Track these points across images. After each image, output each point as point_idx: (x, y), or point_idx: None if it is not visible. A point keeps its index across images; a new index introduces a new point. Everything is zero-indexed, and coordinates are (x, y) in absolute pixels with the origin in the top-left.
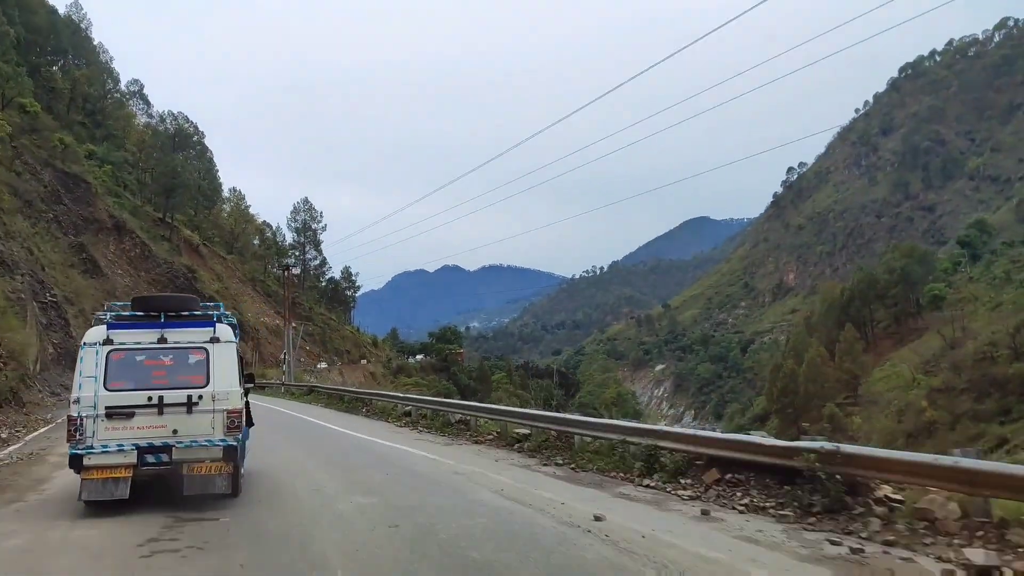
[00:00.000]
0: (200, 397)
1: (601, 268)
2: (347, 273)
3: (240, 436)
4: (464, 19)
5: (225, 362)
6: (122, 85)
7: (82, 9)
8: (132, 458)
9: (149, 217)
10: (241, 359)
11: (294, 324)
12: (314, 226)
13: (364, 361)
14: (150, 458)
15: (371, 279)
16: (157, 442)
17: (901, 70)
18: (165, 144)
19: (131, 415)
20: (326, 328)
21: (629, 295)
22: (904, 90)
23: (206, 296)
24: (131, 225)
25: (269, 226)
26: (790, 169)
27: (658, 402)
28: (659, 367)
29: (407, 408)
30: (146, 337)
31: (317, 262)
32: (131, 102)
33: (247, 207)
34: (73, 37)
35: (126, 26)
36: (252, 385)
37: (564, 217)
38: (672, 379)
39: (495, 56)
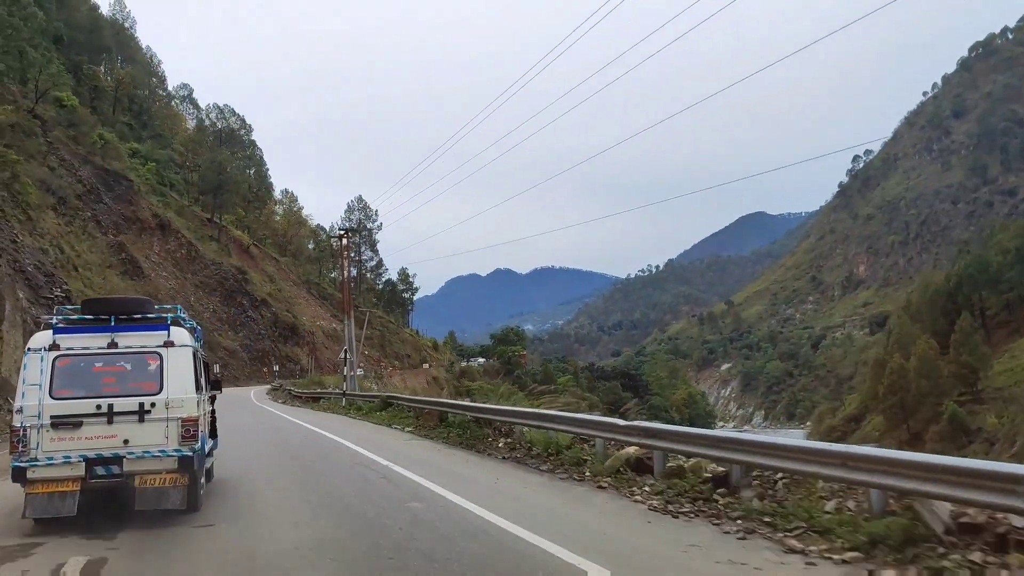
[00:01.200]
0: (153, 405)
1: (656, 267)
2: (404, 275)
3: (197, 446)
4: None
5: (180, 367)
6: (170, 87)
7: (126, 8)
8: (80, 470)
9: (196, 217)
10: (205, 364)
11: (362, 308)
12: (369, 225)
13: (426, 365)
14: (100, 470)
15: (424, 285)
16: (107, 453)
17: (971, 49)
18: (213, 141)
19: (79, 424)
20: (385, 331)
21: (687, 293)
22: (976, 70)
23: (258, 299)
24: (177, 225)
25: (323, 229)
26: (856, 158)
27: (725, 402)
28: (725, 366)
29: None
30: (95, 342)
31: (373, 263)
32: (181, 106)
33: (300, 209)
34: (117, 37)
35: (175, 34)
36: (219, 392)
37: (616, 214)
38: (739, 378)
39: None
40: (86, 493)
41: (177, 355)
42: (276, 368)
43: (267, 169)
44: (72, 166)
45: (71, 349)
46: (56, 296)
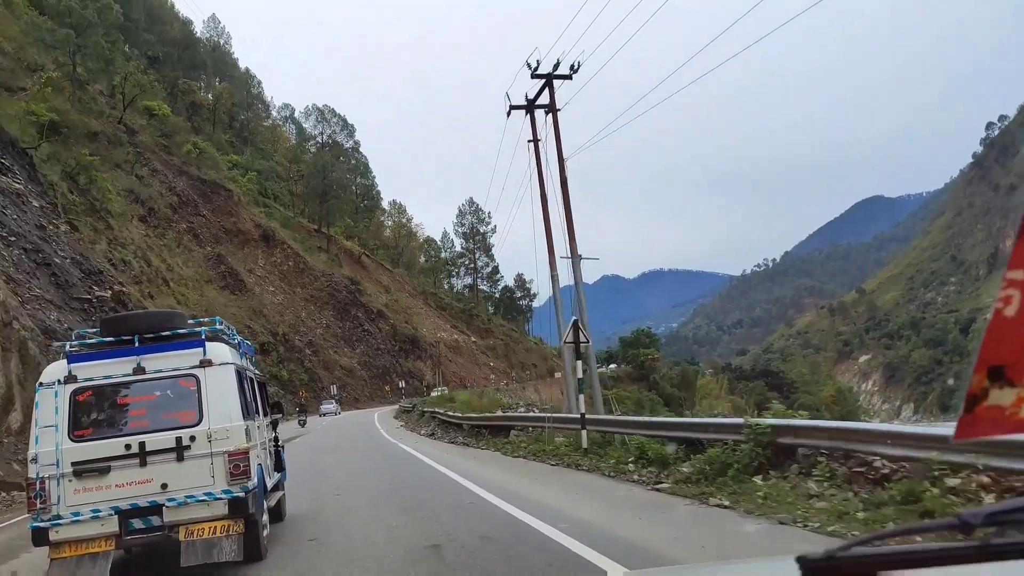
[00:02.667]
0: (192, 439)
1: (773, 260)
2: (520, 281)
3: (251, 484)
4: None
5: (222, 390)
6: (274, 111)
7: (220, 24)
8: (112, 526)
9: (303, 228)
10: (260, 384)
11: (480, 317)
12: (482, 229)
13: (558, 374)
14: (136, 523)
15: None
16: (143, 502)
17: None
18: (315, 147)
19: (106, 470)
20: (508, 340)
21: (809, 285)
22: None
23: (374, 311)
24: (282, 235)
25: (433, 241)
26: (989, 124)
27: (868, 396)
28: (863, 358)
29: None
30: (119, 368)
31: (489, 269)
32: (284, 126)
33: (409, 220)
34: (213, 54)
35: (276, 55)
36: (280, 416)
37: (726, 211)
38: (881, 370)
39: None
40: (122, 552)
41: (217, 376)
42: (402, 385)
43: (373, 177)
44: (165, 177)
45: (91, 379)
46: (91, 299)
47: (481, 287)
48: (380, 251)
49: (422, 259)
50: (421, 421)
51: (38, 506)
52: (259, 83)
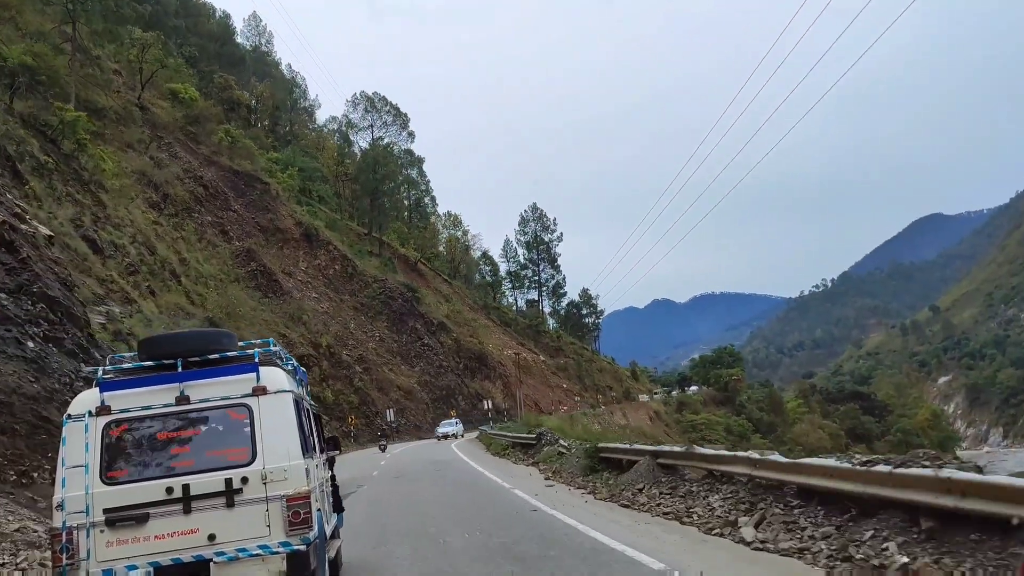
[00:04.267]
0: (245, 480)
1: (831, 281)
2: (586, 296)
3: (312, 534)
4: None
5: (278, 423)
6: (320, 120)
7: (261, 22)
8: None
9: (351, 232)
10: (315, 416)
11: (545, 332)
12: (547, 238)
13: (644, 397)
14: None
15: None
16: (187, 557)
17: None
18: (372, 145)
19: (144, 519)
20: (579, 360)
21: (873, 305)
22: None
23: (434, 323)
24: (327, 235)
25: (490, 259)
26: None
27: (950, 420)
28: (942, 379)
29: None
30: (159, 397)
31: (554, 282)
32: (333, 137)
33: (465, 232)
34: (253, 53)
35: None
36: (337, 452)
37: (778, 232)
38: (963, 392)
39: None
40: None
41: (273, 405)
42: (489, 406)
43: (428, 180)
44: (189, 164)
45: (126, 411)
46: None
47: (535, 299)
48: (436, 261)
49: (478, 276)
50: (560, 462)
51: (64, 562)
52: (304, 84)
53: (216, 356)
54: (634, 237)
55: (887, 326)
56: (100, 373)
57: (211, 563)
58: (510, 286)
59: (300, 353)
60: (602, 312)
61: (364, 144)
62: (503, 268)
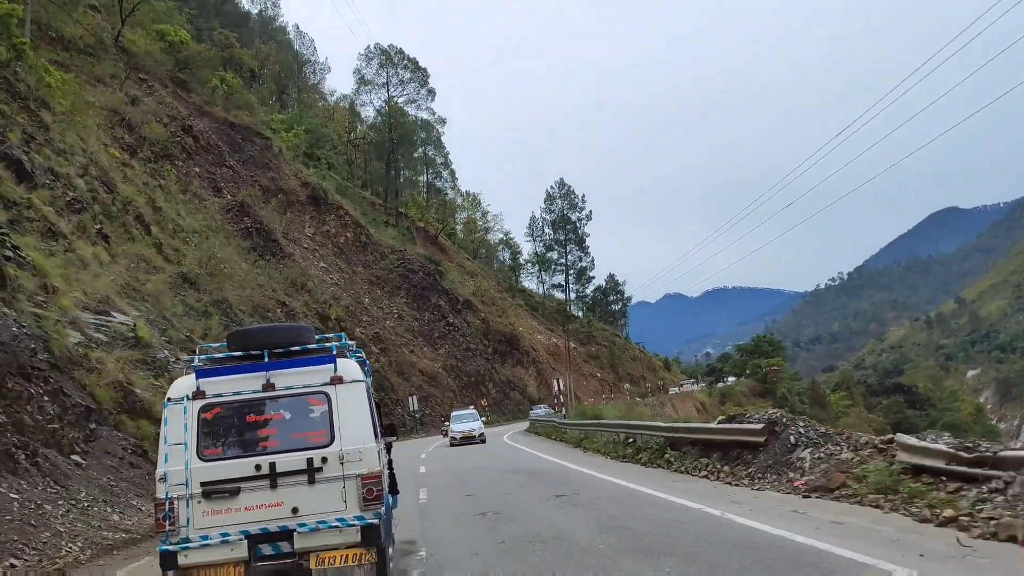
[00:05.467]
0: (324, 460)
1: (847, 275)
2: (613, 281)
3: (383, 510)
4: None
5: (354, 409)
6: (331, 86)
7: None
8: (242, 551)
9: (364, 200)
10: (376, 404)
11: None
12: (574, 216)
13: (675, 389)
14: (265, 549)
15: None
16: (273, 527)
17: None
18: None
19: (236, 492)
20: (612, 347)
21: (891, 299)
22: None
23: (459, 300)
24: (337, 199)
25: (512, 243)
26: None
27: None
28: (971, 373)
29: None
30: (248, 384)
31: (581, 265)
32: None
33: (485, 213)
34: (259, 18)
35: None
36: (394, 439)
37: (791, 229)
38: (993, 386)
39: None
40: None
41: (349, 394)
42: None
43: (447, 153)
44: (176, 112)
45: (219, 395)
46: None
47: (562, 284)
48: (460, 237)
49: (497, 261)
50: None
51: (167, 528)
52: (313, 46)
53: (298, 348)
54: (650, 233)
55: (910, 319)
56: (196, 361)
57: (294, 533)
58: (536, 269)
59: (305, 325)
60: (629, 299)
61: (379, 104)
62: (528, 249)
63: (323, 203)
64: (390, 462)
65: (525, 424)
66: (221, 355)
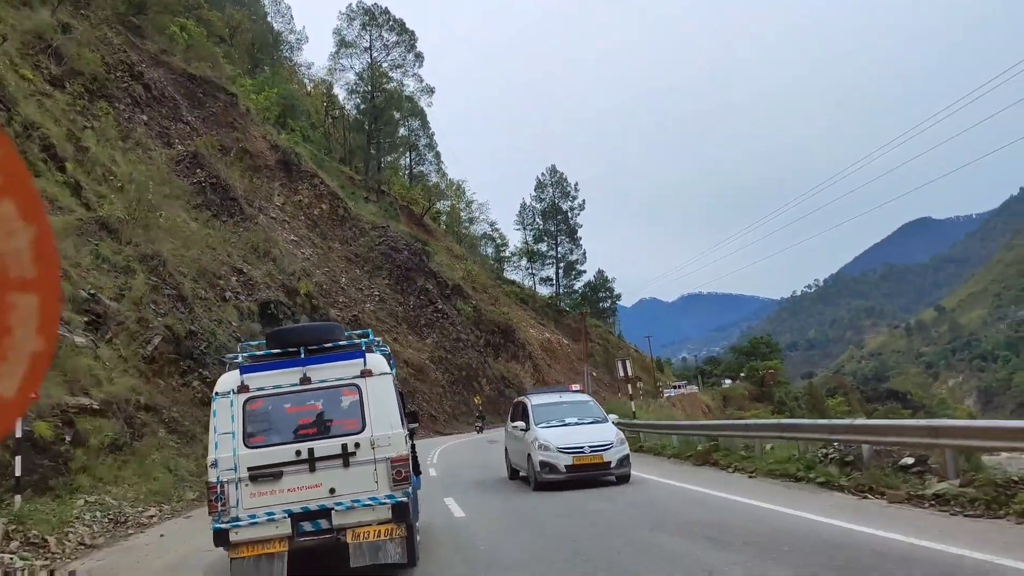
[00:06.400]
0: (357, 445)
1: (824, 281)
2: (602, 278)
3: (410, 490)
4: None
5: (382, 399)
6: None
7: None
8: (286, 528)
9: (343, 175)
10: (401, 394)
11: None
12: (565, 206)
13: (683, 389)
14: (307, 526)
15: None
16: (313, 506)
17: None
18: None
19: (279, 475)
20: (607, 345)
21: (868, 306)
22: None
23: (448, 285)
24: (311, 166)
25: (498, 234)
26: None
27: None
28: (951, 381)
29: None
30: (286, 379)
31: (573, 257)
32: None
33: (470, 203)
34: None
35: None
36: (416, 425)
37: (765, 233)
38: (975, 394)
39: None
40: (294, 553)
41: (377, 385)
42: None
43: (432, 134)
44: (126, 57)
45: (262, 389)
46: None
47: (551, 277)
48: (445, 222)
49: (486, 251)
50: None
51: (219, 509)
52: (289, 13)
53: (331, 345)
54: (623, 236)
55: (890, 326)
56: (240, 358)
57: (332, 511)
58: (523, 262)
59: (268, 297)
60: (619, 296)
61: (362, 68)
62: (516, 239)
63: (295, 169)
64: (413, 446)
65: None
66: (261, 352)
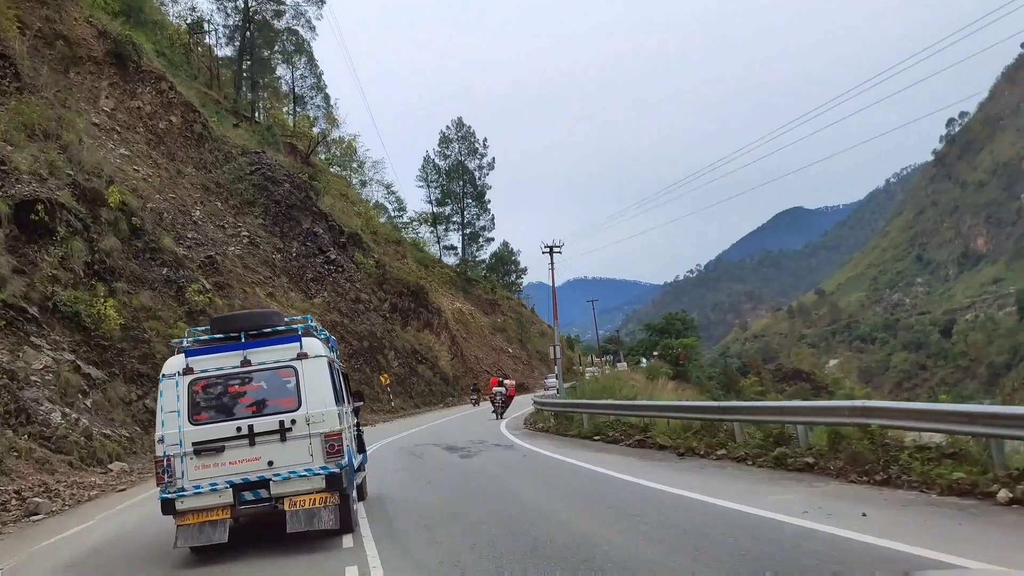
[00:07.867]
0: (293, 422)
1: (703, 267)
2: (507, 251)
3: (344, 462)
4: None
5: (317, 380)
6: None
7: None
8: (228, 497)
9: (207, 97)
10: (343, 375)
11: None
12: (472, 164)
13: (593, 370)
14: (247, 495)
15: None
16: (253, 477)
17: None
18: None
19: (221, 449)
20: (520, 319)
21: (747, 291)
22: None
23: (344, 232)
24: (157, 66)
25: (394, 196)
26: (950, 121)
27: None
28: (832, 362)
29: None
30: (228, 361)
31: (481, 223)
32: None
33: (362, 163)
34: None
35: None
36: (361, 403)
37: (648, 220)
38: (856, 374)
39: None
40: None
41: (312, 367)
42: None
43: (321, 72)
44: None
45: (205, 371)
46: None
47: (456, 246)
48: (332, 164)
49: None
50: None
51: (165, 480)
52: None
53: (269, 330)
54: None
55: (773, 309)
56: (185, 343)
57: (270, 481)
58: (429, 225)
59: (36, 195)
60: (525, 270)
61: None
62: (420, 195)
63: (133, 67)
64: (358, 425)
65: (453, 414)
66: (205, 337)
